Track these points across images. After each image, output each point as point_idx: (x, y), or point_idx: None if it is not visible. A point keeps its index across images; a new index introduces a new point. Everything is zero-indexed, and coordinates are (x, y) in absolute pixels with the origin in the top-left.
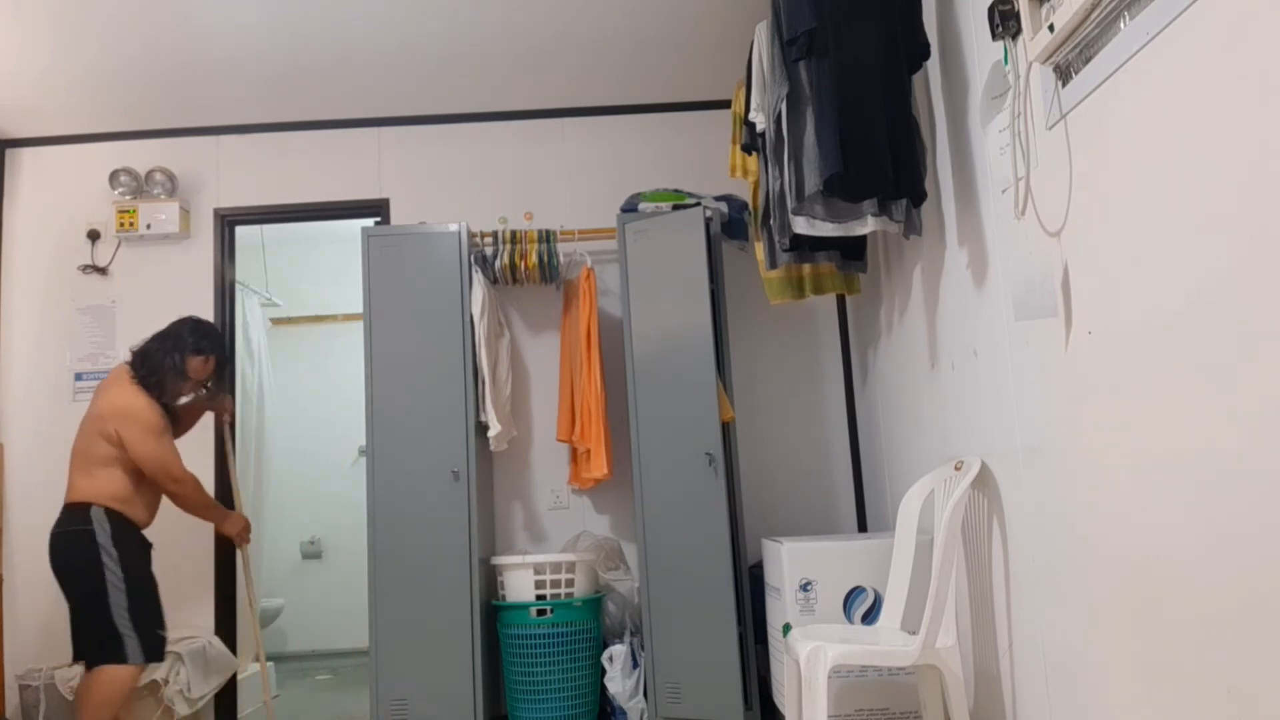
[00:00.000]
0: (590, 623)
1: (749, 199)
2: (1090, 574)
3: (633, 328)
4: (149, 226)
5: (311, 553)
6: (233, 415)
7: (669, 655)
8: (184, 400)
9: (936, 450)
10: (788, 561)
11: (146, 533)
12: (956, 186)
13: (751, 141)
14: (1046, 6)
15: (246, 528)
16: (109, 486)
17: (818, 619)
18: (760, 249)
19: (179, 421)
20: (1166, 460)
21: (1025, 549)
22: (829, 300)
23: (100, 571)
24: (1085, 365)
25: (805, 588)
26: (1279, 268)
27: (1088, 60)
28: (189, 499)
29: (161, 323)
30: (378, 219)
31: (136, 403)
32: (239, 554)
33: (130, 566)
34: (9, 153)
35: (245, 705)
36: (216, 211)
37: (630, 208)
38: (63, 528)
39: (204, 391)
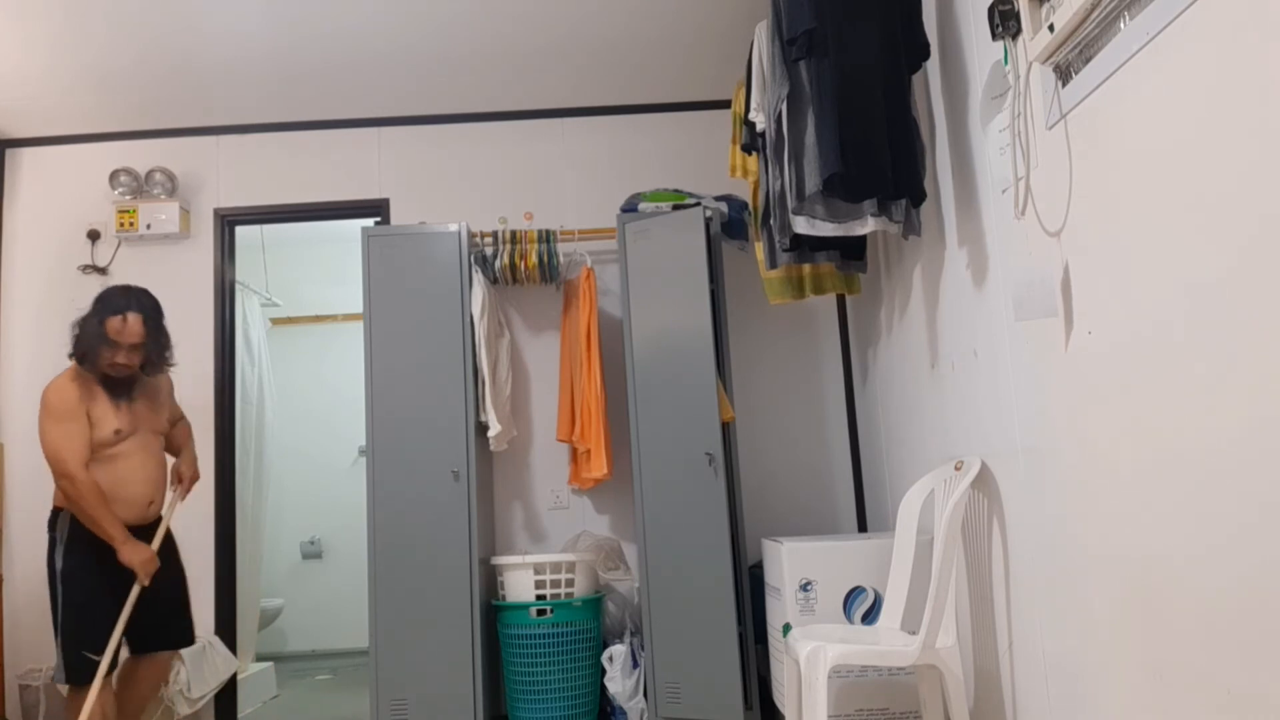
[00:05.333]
0: (590, 623)
1: (749, 199)
2: (1090, 574)
3: (633, 328)
4: (149, 226)
5: (311, 553)
6: (192, 480)
7: (669, 655)
8: (126, 372)
9: (936, 450)
10: (788, 561)
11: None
12: (956, 186)
13: (751, 141)
14: (1046, 6)
15: (150, 560)
16: None
17: (818, 619)
18: (760, 249)
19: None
20: (1167, 460)
21: (1025, 549)
22: (829, 300)
23: (51, 583)
24: (1085, 365)
25: (805, 588)
26: (1278, 267)
27: (1088, 60)
28: (79, 503)
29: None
30: (378, 219)
31: (51, 383)
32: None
33: (71, 581)
34: (9, 153)
35: (245, 705)
36: (216, 211)
37: (630, 208)
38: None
39: (146, 362)
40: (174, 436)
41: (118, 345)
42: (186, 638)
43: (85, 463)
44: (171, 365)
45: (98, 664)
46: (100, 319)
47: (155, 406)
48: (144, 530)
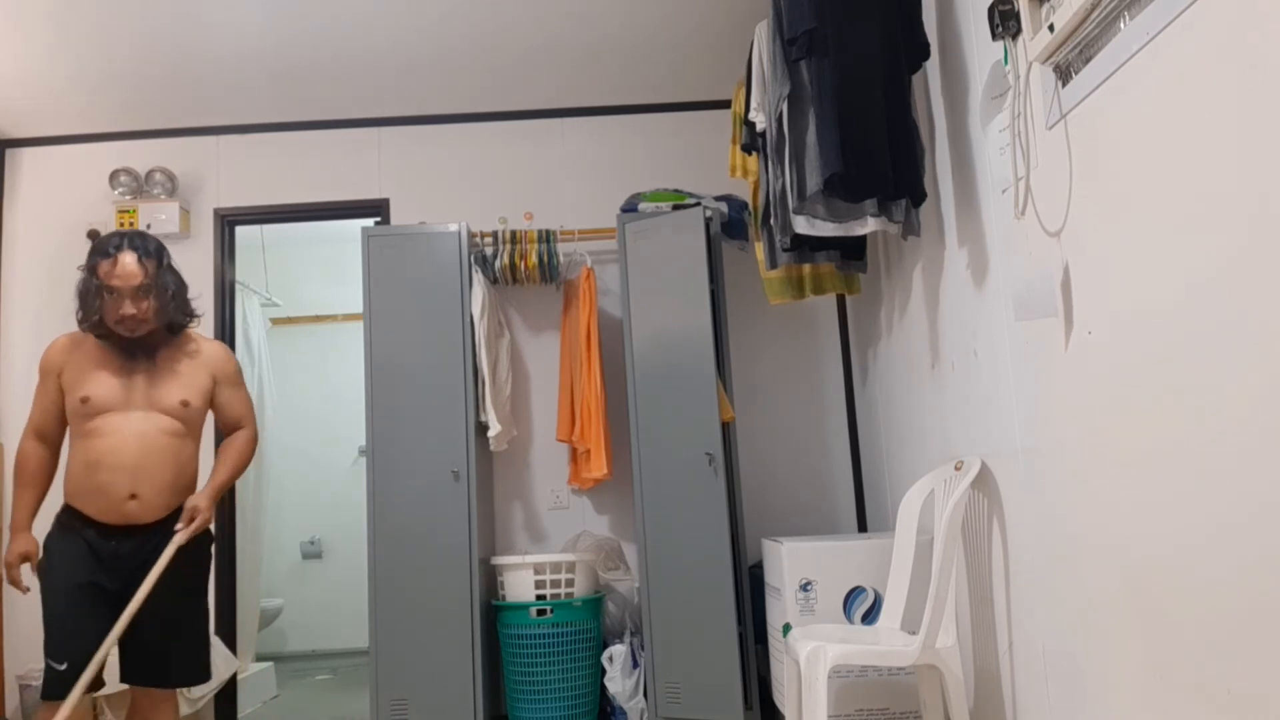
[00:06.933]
0: (590, 623)
1: (749, 199)
2: (1090, 574)
3: (633, 328)
4: (149, 226)
5: (311, 553)
6: (202, 522)
7: (669, 655)
8: (143, 327)
9: (936, 450)
10: (788, 561)
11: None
12: (956, 186)
13: (751, 141)
14: (1046, 6)
15: (11, 566)
16: (67, 474)
17: (818, 619)
18: (760, 249)
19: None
20: (1167, 459)
21: (1025, 549)
22: (829, 300)
23: None
24: (1085, 365)
25: (805, 588)
26: (1275, 267)
27: (1088, 60)
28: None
29: None
30: (378, 219)
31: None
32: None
33: (43, 580)
34: (9, 153)
35: (245, 705)
36: (216, 211)
37: (630, 208)
38: None
39: (162, 313)
40: (224, 448)
41: (118, 292)
42: (179, 676)
43: (37, 430)
44: (195, 316)
45: (60, 675)
46: (92, 266)
47: (169, 381)
48: (129, 533)
